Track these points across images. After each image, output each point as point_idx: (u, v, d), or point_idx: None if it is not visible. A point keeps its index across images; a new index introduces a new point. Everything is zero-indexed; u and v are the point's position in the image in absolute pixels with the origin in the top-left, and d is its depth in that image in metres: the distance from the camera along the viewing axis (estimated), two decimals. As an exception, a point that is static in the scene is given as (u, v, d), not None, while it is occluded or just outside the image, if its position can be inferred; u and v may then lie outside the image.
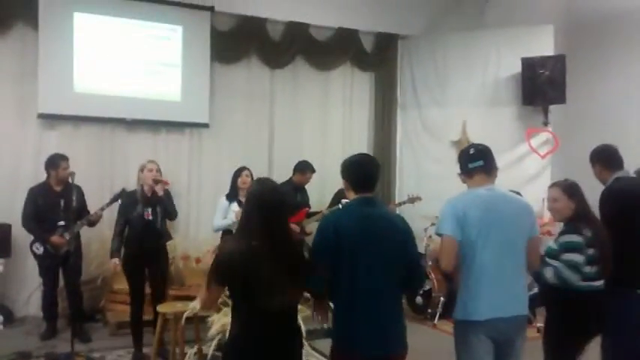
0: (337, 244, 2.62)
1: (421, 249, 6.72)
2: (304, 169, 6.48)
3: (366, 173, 2.83)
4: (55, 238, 5.19)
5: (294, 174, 6.51)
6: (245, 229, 2.58)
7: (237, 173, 5.61)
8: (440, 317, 6.18)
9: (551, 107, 7.08)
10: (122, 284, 5.62)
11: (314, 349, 4.87)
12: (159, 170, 4.97)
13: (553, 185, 3.65)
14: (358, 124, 8.04)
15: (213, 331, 4.47)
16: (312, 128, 7.66)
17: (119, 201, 5.06)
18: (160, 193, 4.87)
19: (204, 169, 6.95)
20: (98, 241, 5.98)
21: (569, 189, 3.52)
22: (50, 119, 6.24)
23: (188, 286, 6.21)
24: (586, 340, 3.50)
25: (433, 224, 6.65)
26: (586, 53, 7.55)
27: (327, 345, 2.90)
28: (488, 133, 7.33)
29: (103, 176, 6.37)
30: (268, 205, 2.58)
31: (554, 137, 7.08)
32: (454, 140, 7.58)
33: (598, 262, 3.37)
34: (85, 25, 6.33)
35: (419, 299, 6.41)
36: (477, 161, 3.08)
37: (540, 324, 5.86)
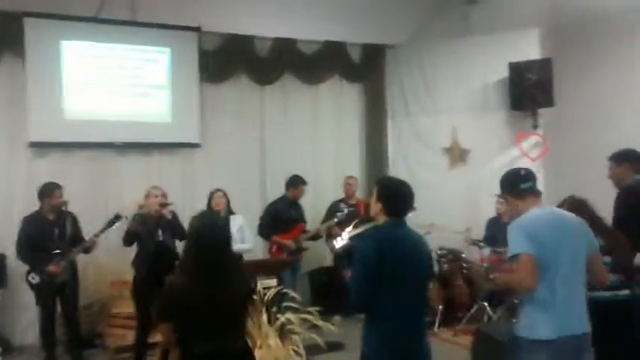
0: (377, 265, 2.74)
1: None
2: (297, 182, 6.51)
3: (406, 203, 2.94)
4: (51, 268, 5.17)
5: (287, 189, 6.53)
6: (185, 268, 2.60)
7: (211, 195, 5.68)
8: (439, 325, 6.18)
9: (540, 110, 7.14)
10: (120, 308, 5.62)
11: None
12: (164, 195, 5.06)
13: (562, 204, 3.65)
14: (349, 136, 8.06)
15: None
16: (304, 143, 7.67)
17: (115, 226, 5.09)
18: (169, 216, 4.93)
19: (197, 189, 6.91)
20: (94, 266, 5.96)
21: (577, 207, 3.50)
22: (41, 147, 6.24)
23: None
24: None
25: (428, 233, 6.68)
26: (572, 56, 7.61)
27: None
28: (478, 139, 7.42)
29: (96, 201, 6.35)
30: (206, 244, 2.60)
31: (543, 140, 7.12)
32: (445, 147, 7.64)
33: (617, 271, 3.36)
34: (73, 52, 6.35)
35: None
36: (527, 182, 3.07)
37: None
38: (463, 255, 6.57)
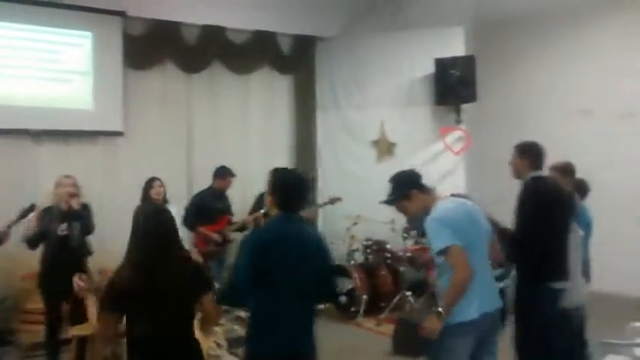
0: (261, 261, 2.66)
1: (344, 249, 6.83)
2: (224, 174, 6.41)
3: (295, 197, 2.85)
4: (-44, 261, 4.87)
5: (213, 180, 6.43)
6: (131, 257, 2.57)
7: (149, 184, 5.50)
8: (363, 315, 6.28)
9: (464, 106, 7.35)
10: (34, 303, 5.36)
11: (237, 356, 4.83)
12: (75, 185, 4.81)
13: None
14: (279, 127, 8.04)
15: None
16: (232, 133, 7.59)
17: (30, 215, 4.84)
18: (76, 207, 4.70)
19: (120, 179, 6.71)
20: (6, 259, 5.63)
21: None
22: (-52, 133, 5.86)
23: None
24: None
25: (355, 224, 6.78)
26: (494, 53, 7.91)
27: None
28: (405, 133, 7.57)
29: (10, 191, 6.00)
30: (150, 232, 2.58)
31: (466, 135, 7.35)
32: (373, 140, 7.74)
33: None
34: (-16, 33, 5.98)
35: (342, 298, 6.48)
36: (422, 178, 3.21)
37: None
38: (388, 246, 6.70)
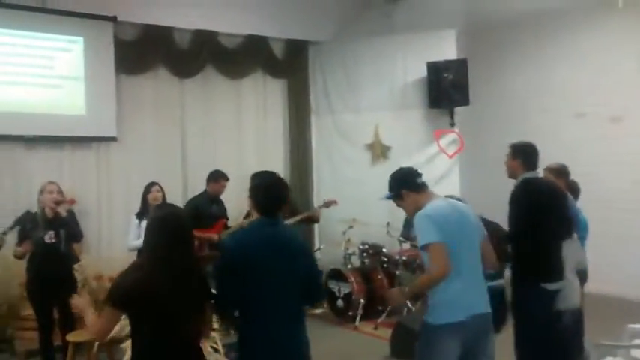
0: (242, 265, 2.66)
1: (340, 253, 6.83)
2: (217, 177, 6.39)
3: (274, 200, 2.84)
4: (-49, 269, 4.83)
5: (207, 184, 6.40)
6: (147, 256, 2.55)
7: (147, 189, 5.45)
8: (361, 319, 6.28)
9: (457, 109, 7.39)
10: (30, 310, 5.32)
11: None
12: (60, 191, 4.78)
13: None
14: (273, 132, 8.04)
15: (127, 356, 4.32)
16: (226, 138, 7.57)
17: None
18: (64, 214, 4.67)
19: (113, 184, 6.69)
20: (2, 266, 5.60)
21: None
22: (-60, 140, 5.81)
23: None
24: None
25: (351, 227, 6.79)
26: (486, 56, 7.96)
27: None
28: (399, 136, 7.60)
29: (3, 199, 5.98)
30: (170, 232, 2.55)
31: (459, 138, 7.38)
32: (368, 143, 7.76)
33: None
34: (-25, 39, 5.94)
35: (339, 302, 6.49)
36: (421, 177, 3.22)
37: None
38: (384, 249, 6.70)
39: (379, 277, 6.59)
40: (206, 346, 4.20)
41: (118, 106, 6.72)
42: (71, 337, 4.42)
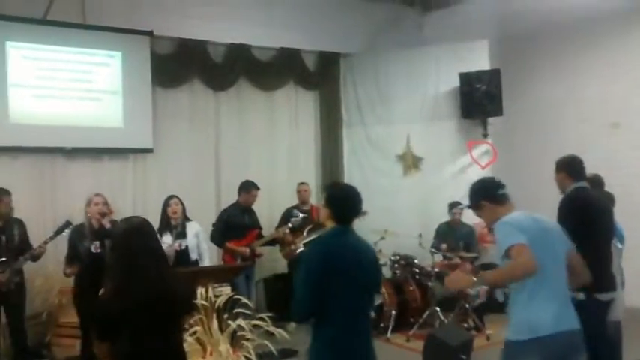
0: (327, 272, 2.73)
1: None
2: (248, 187, 6.46)
3: (352, 210, 2.94)
4: (-5, 276, 4.99)
5: (239, 195, 6.48)
6: (115, 276, 2.49)
7: (167, 203, 5.53)
8: (392, 330, 6.25)
9: (490, 120, 7.34)
10: (69, 317, 5.46)
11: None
12: (106, 203, 4.93)
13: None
14: (304, 143, 8.10)
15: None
16: (259, 149, 7.67)
17: (65, 233, 4.96)
18: (108, 225, 4.81)
19: (149, 195, 6.81)
20: (42, 275, 5.77)
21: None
22: (-14, 152, 6.02)
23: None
24: None
25: (383, 238, 6.77)
26: (520, 66, 7.88)
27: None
28: (431, 147, 7.57)
29: (44, 208, 6.17)
30: (133, 249, 2.49)
31: (493, 148, 7.32)
32: (399, 154, 7.76)
33: None
34: (19, 54, 6.15)
35: (371, 313, 6.46)
36: (504, 188, 3.12)
37: (490, 331, 6.02)
38: (416, 260, 6.66)
39: (411, 288, 6.55)
40: (239, 356, 4.25)
41: (154, 118, 6.88)
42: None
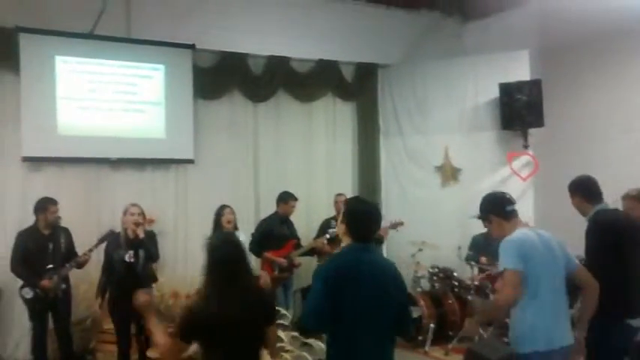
0: (339, 288, 2.70)
1: (409, 275, 6.77)
2: (287, 198, 6.53)
3: (370, 228, 2.89)
4: (44, 282, 5.15)
5: (278, 205, 6.56)
6: (209, 286, 2.62)
7: (220, 212, 5.64)
8: (431, 344, 6.20)
9: (531, 130, 7.22)
10: (111, 324, 5.59)
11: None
12: (141, 213, 5.06)
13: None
14: (342, 154, 8.12)
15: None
16: (297, 160, 7.73)
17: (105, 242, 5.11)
18: (141, 235, 4.92)
19: (190, 205, 6.96)
20: (86, 282, 5.94)
21: None
22: (35, 162, 6.23)
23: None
24: None
25: (420, 250, 6.74)
26: (561, 77, 7.72)
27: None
28: (470, 158, 7.50)
29: (89, 217, 6.35)
30: (227, 260, 2.64)
31: (534, 160, 7.20)
32: (437, 165, 7.71)
33: None
34: (67, 68, 6.37)
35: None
36: (513, 205, 3.27)
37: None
38: (455, 273, 6.60)
39: (450, 301, 6.48)
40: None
41: (195, 129, 7.01)
42: (151, 352, 4.61)
